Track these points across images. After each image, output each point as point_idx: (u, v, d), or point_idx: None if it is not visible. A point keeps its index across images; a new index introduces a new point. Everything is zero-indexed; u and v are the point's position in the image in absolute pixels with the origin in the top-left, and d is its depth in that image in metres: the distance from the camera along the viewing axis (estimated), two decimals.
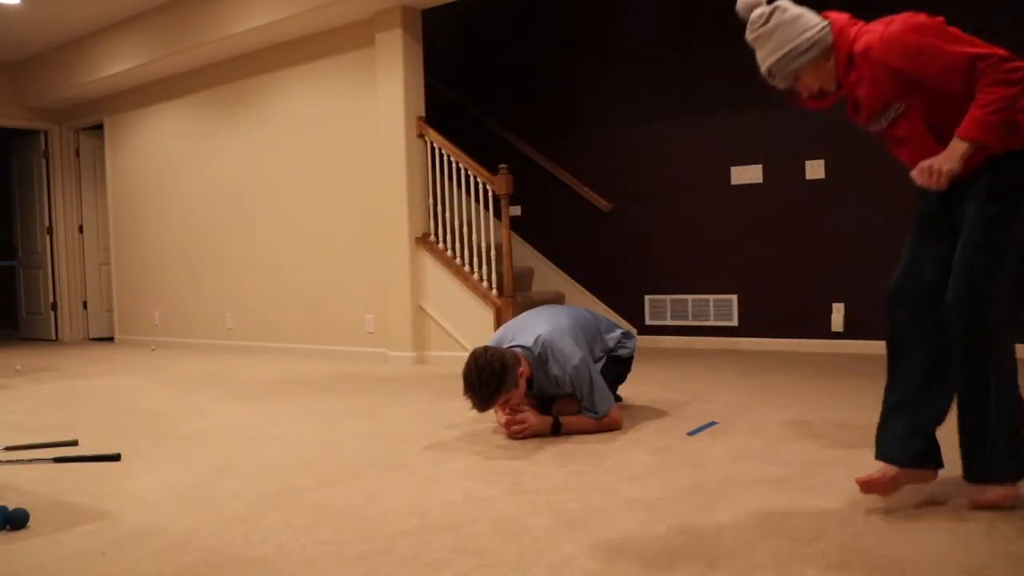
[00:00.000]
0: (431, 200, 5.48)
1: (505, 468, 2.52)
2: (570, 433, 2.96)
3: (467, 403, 3.51)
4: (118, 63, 6.82)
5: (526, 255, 6.40)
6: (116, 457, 2.83)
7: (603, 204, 5.96)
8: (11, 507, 2.14)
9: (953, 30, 1.99)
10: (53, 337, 8.34)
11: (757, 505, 2.05)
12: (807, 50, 2.10)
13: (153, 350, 7.03)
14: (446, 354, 5.17)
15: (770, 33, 2.19)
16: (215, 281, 6.78)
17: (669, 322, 5.77)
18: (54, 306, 8.33)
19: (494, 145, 6.54)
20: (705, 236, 5.59)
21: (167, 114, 7.14)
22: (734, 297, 5.47)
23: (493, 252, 4.96)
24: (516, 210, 6.47)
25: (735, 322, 5.47)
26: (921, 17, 2.01)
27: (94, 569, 1.78)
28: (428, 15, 6.01)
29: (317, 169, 5.94)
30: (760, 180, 5.34)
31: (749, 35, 2.24)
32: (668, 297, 5.76)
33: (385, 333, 5.55)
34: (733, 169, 5.44)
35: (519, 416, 2.91)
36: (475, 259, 5.07)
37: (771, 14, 2.18)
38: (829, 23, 2.11)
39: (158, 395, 4.33)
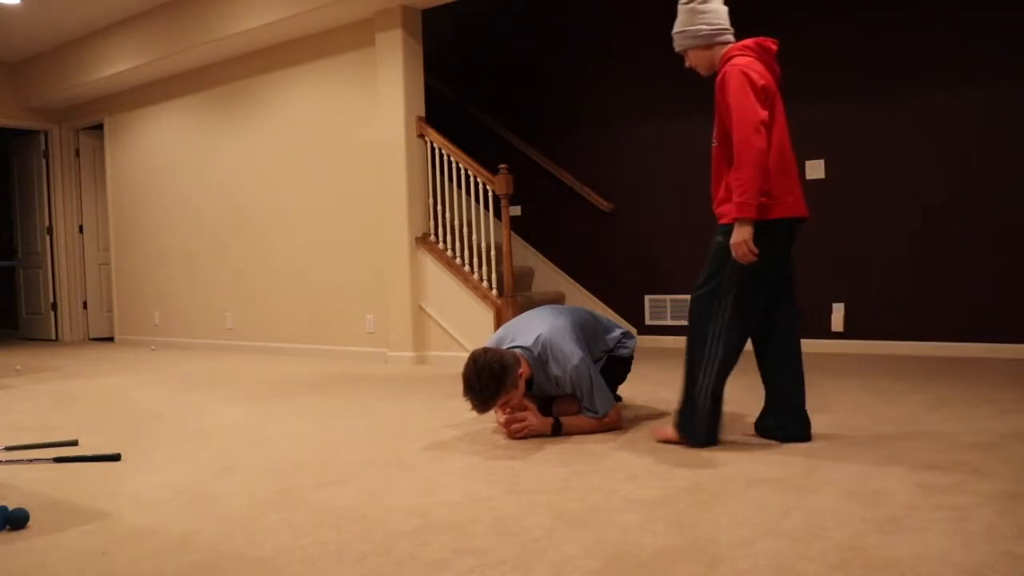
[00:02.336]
0: (431, 200, 5.48)
1: (505, 468, 2.52)
2: (570, 433, 2.96)
3: (467, 404, 3.53)
4: (118, 63, 6.82)
5: (526, 255, 6.39)
6: (116, 457, 2.83)
7: (603, 204, 5.96)
8: (11, 507, 2.14)
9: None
10: (53, 337, 8.34)
11: (757, 505, 2.05)
12: (694, 37, 2.74)
13: (153, 350, 7.03)
14: (446, 354, 5.17)
15: (686, 11, 2.77)
16: (215, 281, 6.78)
17: (669, 322, 5.77)
18: (54, 306, 8.33)
19: (494, 145, 6.54)
20: (705, 236, 5.59)
21: (167, 114, 7.15)
22: None
23: (493, 252, 4.96)
24: (516, 210, 6.47)
25: None
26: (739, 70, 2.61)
27: (94, 569, 1.78)
28: (428, 15, 6.02)
29: (317, 169, 5.94)
30: None
31: (679, 5, 2.81)
32: (668, 297, 5.76)
33: (385, 333, 5.55)
34: None
35: (519, 416, 2.91)
36: (475, 259, 5.07)
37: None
38: (725, 29, 2.73)
39: (158, 395, 4.33)
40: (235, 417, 3.60)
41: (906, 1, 4.81)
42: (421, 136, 5.34)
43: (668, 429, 2.79)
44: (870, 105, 4.94)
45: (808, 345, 5.18)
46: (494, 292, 4.93)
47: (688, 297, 5.67)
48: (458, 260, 5.12)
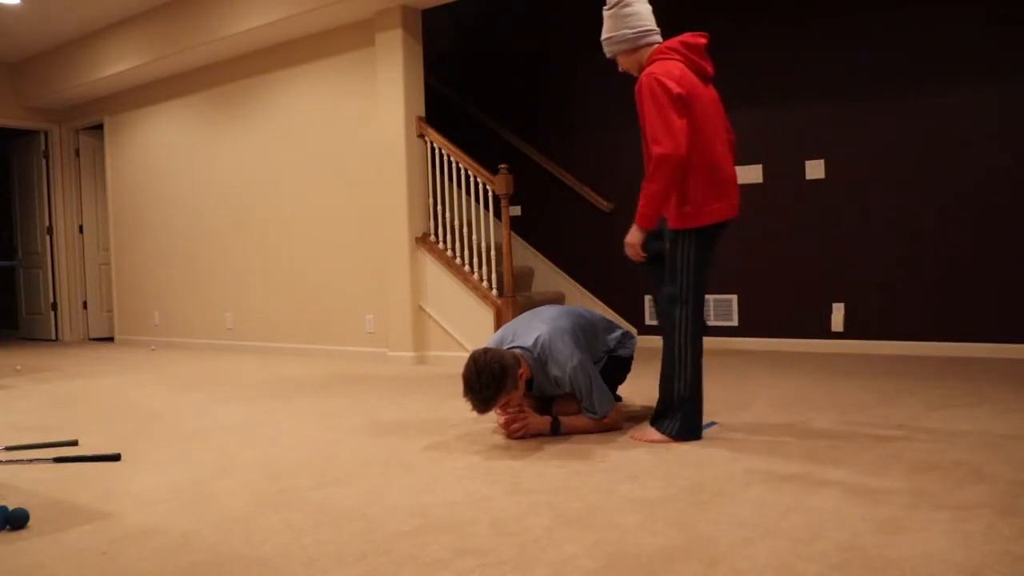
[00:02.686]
0: (431, 200, 5.48)
1: (505, 468, 2.52)
2: (569, 433, 2.96)
3: (467, 404, 3.53)
4: (118, 63, 6.82)
5: (526, 255, 6.39)
6: (116, 457, 2.83)
7: (603, 204, 5.96)
8: (11, 507, 2.14)
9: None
10: (53, 337, 8.34)
11: (757, 505, 2.05)
12: (621, 41, 2.79)
13: (153, 350, 7.03)
14: (446, 354, 5.17)
15: (609, 17, 2.82)
16: (215, 281, 6.78)
17: None
18: (54, 306, 8.33)
19: (494, 145, 6.54)
20: None
21: (167, 114, 7.15)
22: (734, 297, 5.47)
23: (493, 252, 4.96)
24: (516, 210, 6.47)
25: (735, 322, 5.47)
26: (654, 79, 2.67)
27: (94, 569, 1.78)
28: (428, 15, 6.02)
29: (317, 169, 5.94)
30: (760, 180, 5.34)
31: (604, 11, 2.87)
32: None
33: (385, 333, 5.55)
34: None
35: (518, 416, 2.91)
36: (475, 259, 5.07)
37: (616, 4, 2.80)
38: (650, 31, 2.78)
39: (158, 395, 4.33)
40: (235, 417, 3.60)
41: (906, 0, 4.81)
42: (421, 136, 5.34)
43: (648, 432, 2.83)
44: (870, 105, 4.94)
45: (808, 345, 5.18)
46: (494, 292, 4.93)
47: None
48: (458, 260, 5.12)
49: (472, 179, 5.13)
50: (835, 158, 5.08)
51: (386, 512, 2.12)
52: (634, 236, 2.76)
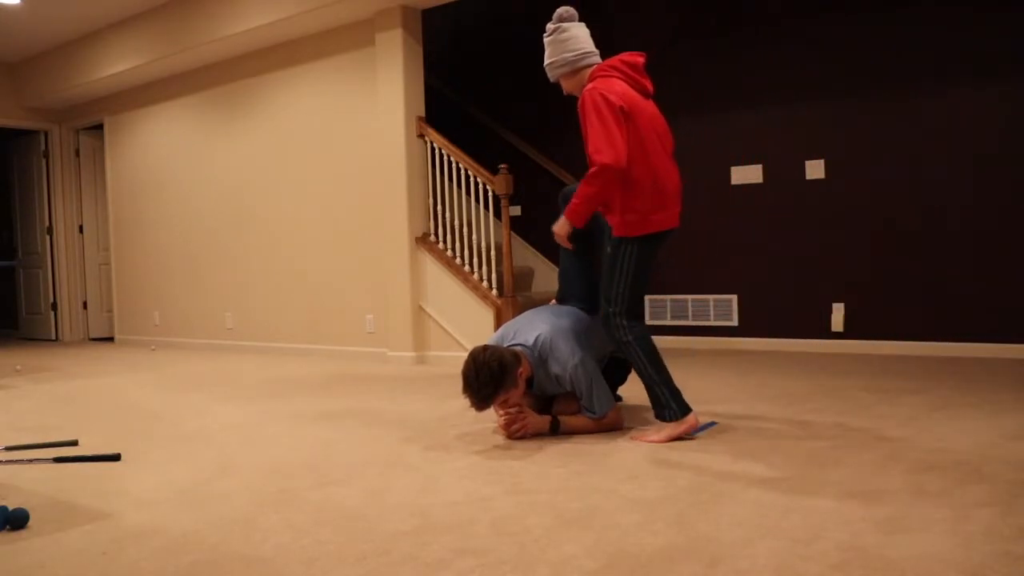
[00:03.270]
0: (431, 200, 5.48)
1: (505, 468, 2.52)
2: (569, 433, 2.96)
3: (466, 402, 3.53)
4: (118, 63, 6.82)
5: (526, 255, 6.39)
6: (116, 457, 2.83)
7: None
8: (11, 507, 2.14)
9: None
10: (53, 337, 8.35)
11: (757, 505, 2.05)
12: (561, 65, 2.93)
13: (153, 350, 7.03)
14: (446, 354, 5.17)
15: (549, 43, 2.96)
16: (215, 281, 6.79)
17: (669, 322, 5.77)
18: (54, 306, 8.34)
19: (494, 145, 6.54)
20: (705, 236, 5.59)
21: (167, 114, 7.15)
22: (734, 297, 5.47)
23: (493, 252, 4.96)
24: (516, 210, 6.47)
25: (735, 322, 5.47)
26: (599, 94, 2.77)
27: (94, 569, 1.78)
28: (428, 15, 6.02)
29: (317, 169, 5.94)
30: (760, 180, 5.34)
31: (544, 39, 3.01)
32: (668, 297, 5.77)
33: (385, 333, 5.55)
34: (733, 169, 5.44)
35: (518, 416, 2.91)
36: (475, 259, 5.07)
37: (554, 31, 2.95)
38: (588, 53, 2.91)
39: (158, 395, 4.33)
40: (235, 417, 3.60)
41: (906, 0, 4.81)
42: (421, 136, 5.34)
43: (648, 432, 2.88)
44: (870, 105, 4.94)
45: (808, 345, 5.18)
46: (494, 292, 4.93)
47: (688, 297, 5.68)
48: (458, 260, 5.12)
49: (472, 179, 5.13)
50: (835, 158, 5.08)
51: (386, 512, 2.12)
52: (562, 227, 2.92)
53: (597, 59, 2.94)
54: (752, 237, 5.39)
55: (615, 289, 2.85)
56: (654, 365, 2.84)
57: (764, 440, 2.77)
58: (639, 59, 2.91)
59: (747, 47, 5.34)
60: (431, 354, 5.27)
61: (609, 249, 2.90)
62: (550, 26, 2.96)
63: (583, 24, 2.99)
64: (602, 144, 2.71)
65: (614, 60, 2.88)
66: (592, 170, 2.74)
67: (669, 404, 2.83)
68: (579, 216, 2.83)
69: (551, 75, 2.97)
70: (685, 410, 2.83)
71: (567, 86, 2.99)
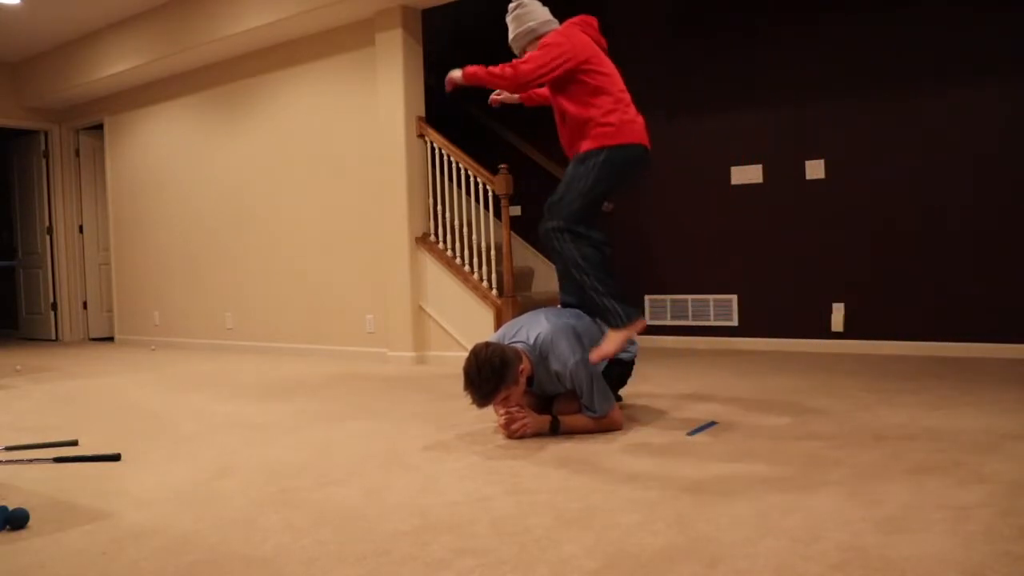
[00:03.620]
0: (431, 200, 5.48)
1: (505, 468, 2.52)
2: (569, 432, 2.96)
3: (467, 399, 3.53)
4: (118, 63, 6.82)
5: (526, 255, 6.39)
6: (116, 457, 2.83)
7: (603, 204, 5.95)
8: (11, 507, 2.14)
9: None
10: (53, 337, 8.35)
11: (757, 505, 2.05)
12: (525, 35, 3.15)
13: (153, 350, 7.03)
14: (446, 354, 5.17)
15: (512, 20, 3.18)
16: (215, 281, 6.78)
17: (669, 322, 5.77)
18: (54, 306, 8.34)
19: (494, 145, 6.54)
20: (705, 236, 5.59)
21: (167, 114, 7.15)
22: (734, 297, 5.47)
23: (493, 252, 4.96)
24: (516, 210, 6.47)
25: (735, 322, 5.47)
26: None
27: (94, 569, 1.78)
28: (428, 15, 6.01)
29: (317, 169, 5.94)
30: (760, 180, 5.34)
31: (506, 19, 3.23)
32: (668, 297, 5.77)
33: (385, 333, 5.55)
34: (733, 169, 5.44)
35: (518, 415, 2.91)
36: (475, 259, 5.07)
37: (515, 7, 3.19)
38: (548, 21, 3.14)
39: (158, 395, 4.33)
40: (235, 417, 3.60)
41: (906, 0, 4.81)
42: (421, 136, 5.34)
43: (604, 345, 2.96)
44: (870, 105, 4.94)
45: (808, 345, 5.18)
46: (494, 292, 4.93)
47: (687, 297, 5.68)
48: (458, 260, 5.12)
49: (472, 179, 5.14)
50: (835, 158, 5.08)
51: (386, 512, 2.12)
52: (454, 75, 3.07)
53: (556, 25, 3.17)
54: (752, 237, 5.39)
55: (565, 199, 2.98)
56: (598, 276, 2.96)
57: (764, 440, 2.76)
58: (593, 20, 3.16)
59: (747, 47, 5.34)
60: (431, 354, 5.27)
61: (570, 168, 3.02)
62: (511, 5, 3.19)
63: (539, 1, 3.25)
64: (534, 57, 2.92)
65: (574, 19, 3.13)
66: (511, 66, 2.92)
67: (616, 311, 2.95)
68: (478, 80, 3.00)
69: (517, 47, 3.18)
70: (632, 314, 2.97)
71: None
